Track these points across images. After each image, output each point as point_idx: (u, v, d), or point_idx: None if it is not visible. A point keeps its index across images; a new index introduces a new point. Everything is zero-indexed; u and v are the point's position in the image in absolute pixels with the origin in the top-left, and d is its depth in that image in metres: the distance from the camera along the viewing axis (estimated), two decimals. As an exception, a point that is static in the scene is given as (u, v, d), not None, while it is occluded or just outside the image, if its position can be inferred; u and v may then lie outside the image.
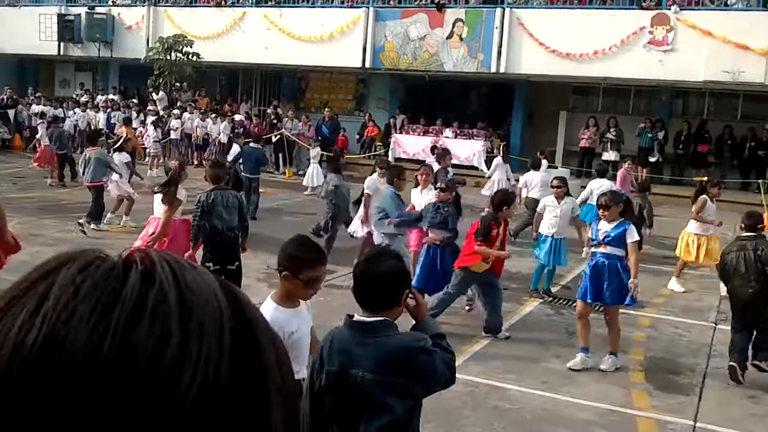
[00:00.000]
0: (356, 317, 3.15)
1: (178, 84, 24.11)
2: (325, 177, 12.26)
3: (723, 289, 9.19)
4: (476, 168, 19.89)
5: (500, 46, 20.80)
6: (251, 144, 15.72)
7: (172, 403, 0.49)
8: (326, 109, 23.66)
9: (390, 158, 21.13)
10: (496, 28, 20.80)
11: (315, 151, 18.14)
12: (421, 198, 9.51)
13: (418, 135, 22.24)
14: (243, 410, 0.52)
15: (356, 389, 3.06)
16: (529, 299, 9.46)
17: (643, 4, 19.60)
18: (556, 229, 9.41)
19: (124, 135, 17.13)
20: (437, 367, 3.09)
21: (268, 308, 3.68)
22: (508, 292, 9.87)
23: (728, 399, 6.71)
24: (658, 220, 12.89)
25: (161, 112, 21.89)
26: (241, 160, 14.62)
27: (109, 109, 23.60)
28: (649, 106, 22.67)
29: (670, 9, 19.01)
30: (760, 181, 18.27)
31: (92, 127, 22.72)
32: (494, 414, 6.05)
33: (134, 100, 25.00)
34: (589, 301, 7.16)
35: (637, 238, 7.06)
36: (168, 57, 22.98)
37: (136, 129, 22.07)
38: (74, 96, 26.54)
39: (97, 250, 0.58)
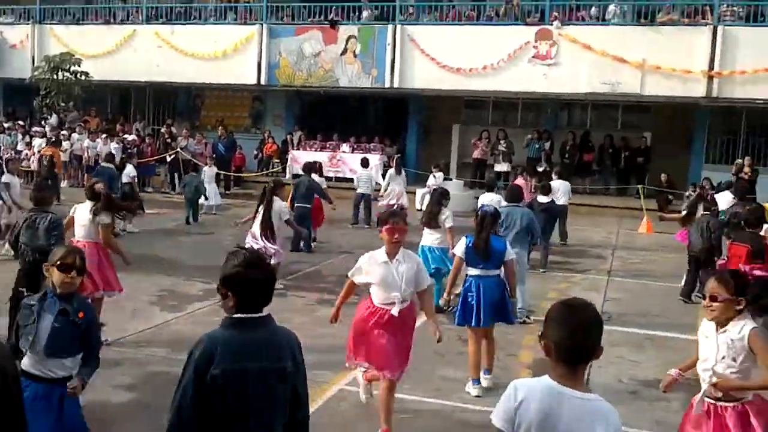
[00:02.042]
0: (240, 316, 3.16)
1: (64, 104, 23.37)
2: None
3: None
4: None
5: (393, 62, 21.28)
6: (305, 176, 14.35)
7: None
8: (220, 127, 23.54)
9: (288, 175, 21.19)
10: (389, 44, 21.27)
11: (211, 170, 17.97)
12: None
13: (316, 150, 22.38)
14: None
15: (253, 381, 3.10)
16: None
17: (527, 20, 20.47)
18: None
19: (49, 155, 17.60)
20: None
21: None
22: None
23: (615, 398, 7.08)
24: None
25: (49, 134, 21.14)
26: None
27: (-7, 132, 22.63)
28: (537, 118, 23.65)
29: (552, 24, 19.93)
30: (639, 186, 19.34)
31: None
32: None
33: (20, 122, 24.04)
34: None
35: (456, 251, 7.25)
36: (55, 76, 22.30)
37: (21, 152, 21.29)
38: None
39: None
